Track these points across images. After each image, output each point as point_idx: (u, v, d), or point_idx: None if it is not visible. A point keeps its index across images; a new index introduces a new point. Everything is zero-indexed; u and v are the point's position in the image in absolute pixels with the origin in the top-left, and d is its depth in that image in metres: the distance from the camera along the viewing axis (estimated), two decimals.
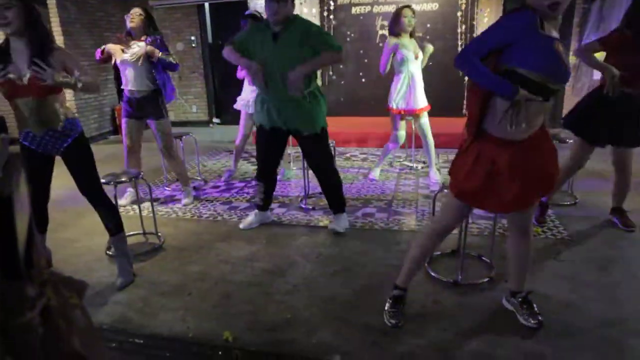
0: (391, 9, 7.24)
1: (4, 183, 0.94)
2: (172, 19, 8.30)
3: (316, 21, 7.48)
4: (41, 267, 1.07)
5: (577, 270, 2.86)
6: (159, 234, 3.54)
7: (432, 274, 2.83)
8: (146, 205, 3.93)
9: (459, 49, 7.05)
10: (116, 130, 8.38)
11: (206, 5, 8.12)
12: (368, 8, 7.31)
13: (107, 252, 3.32)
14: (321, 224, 3.73)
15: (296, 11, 7.39)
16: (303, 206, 4.13)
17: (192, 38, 8.31)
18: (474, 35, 6.90)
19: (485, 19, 6.73)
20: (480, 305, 2.52)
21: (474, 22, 6.86)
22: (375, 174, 4.95)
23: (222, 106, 8.65)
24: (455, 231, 3.34)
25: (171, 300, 2.70)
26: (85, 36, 7.58)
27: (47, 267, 1.08)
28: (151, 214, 3.56)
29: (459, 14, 6.91)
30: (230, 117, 8.37)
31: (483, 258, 3.00)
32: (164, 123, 4.06)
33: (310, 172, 3.77)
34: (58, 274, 1.13)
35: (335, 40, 3.27)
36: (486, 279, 2.76)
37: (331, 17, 7.48)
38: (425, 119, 4.59)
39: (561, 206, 3.91)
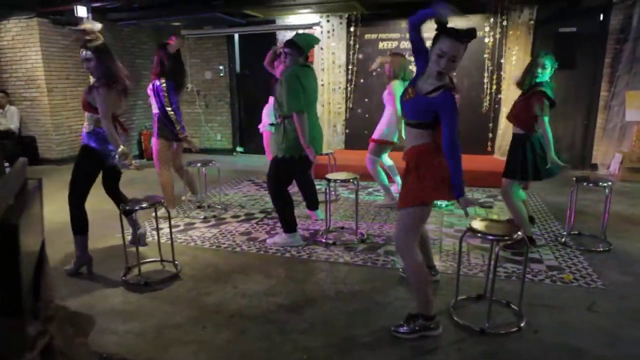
0: None
1: (14, 211, 0.88)
2: (202, 49, 8.50)
3: (343, 55, 7.54)
4: (49, 300, 1.00)
5: (614, 322, 2.68)
6: (176, 262, 3.49)
7: (457, 319, 2.68)
8: (165, 232, 3.90)
9: (485, 86, 6.98)
10: (142, 154, 8.49)
11: (236, 36, 8.30)
12: (395, 43, 7.35)
13: (123, 278, 3.27)
14: (341, 260, 3.62)
15: (323, 45, 7.49)
16: (323, 241, 4.03)
17: (221, 67, 8.47)
18: (501, 73, 6.83)
19: (514, 57, 6.66)
20: (507, 357, 2.36)
21: (502, 60, 6.80)
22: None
23: (246, 135, 8.72)
24: (482, 274, 3.21)
25: (185, 333, 2.61)
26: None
27: (53, 302, 1.01)
28: (169, 241, 3.51)
29: (486, 51, 6.88)
30: (253, 145, 8.42)
31: (511, 305, 2.84)
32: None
33: (332, 206, 3.69)
34: (65, 308, 1.06)
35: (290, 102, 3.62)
36: (515, 329, 2.60)
37: (358, 50, 7.53)
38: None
39: (593, 252, 3.73)
